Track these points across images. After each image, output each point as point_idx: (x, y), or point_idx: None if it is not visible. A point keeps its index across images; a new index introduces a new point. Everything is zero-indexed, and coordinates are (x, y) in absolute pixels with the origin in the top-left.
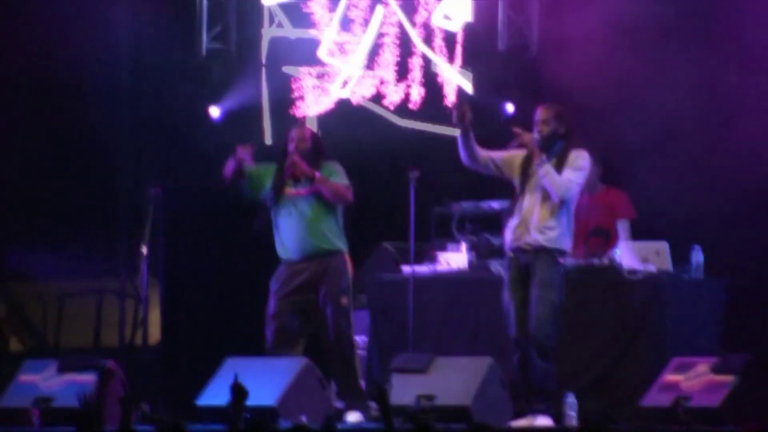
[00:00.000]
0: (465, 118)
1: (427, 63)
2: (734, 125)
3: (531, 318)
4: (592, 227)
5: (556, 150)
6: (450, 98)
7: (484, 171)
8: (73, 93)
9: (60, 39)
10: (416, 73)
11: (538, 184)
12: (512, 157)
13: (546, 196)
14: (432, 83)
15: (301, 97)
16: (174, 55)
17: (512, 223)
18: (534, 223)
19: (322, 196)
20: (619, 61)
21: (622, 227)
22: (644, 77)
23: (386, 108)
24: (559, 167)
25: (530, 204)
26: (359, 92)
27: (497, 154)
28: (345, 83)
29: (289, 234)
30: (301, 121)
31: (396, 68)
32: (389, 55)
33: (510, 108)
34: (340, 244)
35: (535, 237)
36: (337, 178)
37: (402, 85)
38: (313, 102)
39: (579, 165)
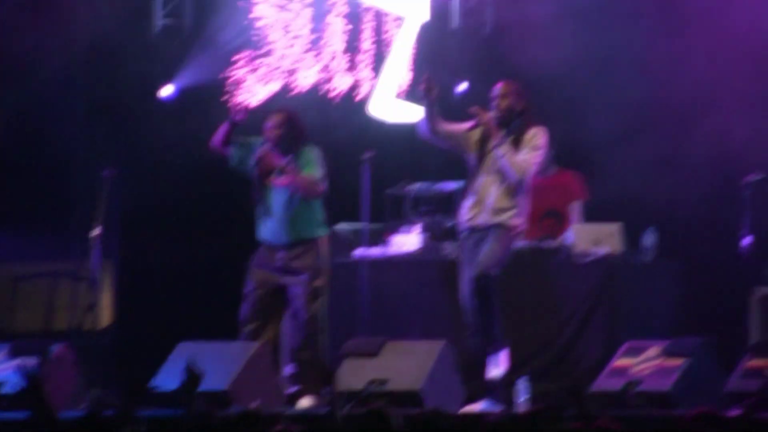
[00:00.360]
0: (431, 90)
1: (378, 52)
2: (692, 105)
3: (474, 270)
4: (545, 209)
5: (513, 127)
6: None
7: (443, 144)
8: (27, 73)
9: (12, 19)
10: (365, 63)
11: (494, 164)
12: (470, 133)
13: (502, 177)
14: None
15: (239, 81)
16: (128, 33)
17: (467, 203)
18: (489, 203)
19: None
20: (580, 40)
21: (575, 209)
22: (604, 59)
23: (331, 98)
24: (517, 145)
25: (486, 183)
26: (304, 79)
27: (456, 128)
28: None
29: (269, 220)
30: (277, 108)
31: (347, 57)
32: (338, 43)
33: (462, 87)
34: (318, 230)
35: (490, 218)
36: (310, 168)
37: (350, 75)
38: (256, 87)
39: (537, 144)
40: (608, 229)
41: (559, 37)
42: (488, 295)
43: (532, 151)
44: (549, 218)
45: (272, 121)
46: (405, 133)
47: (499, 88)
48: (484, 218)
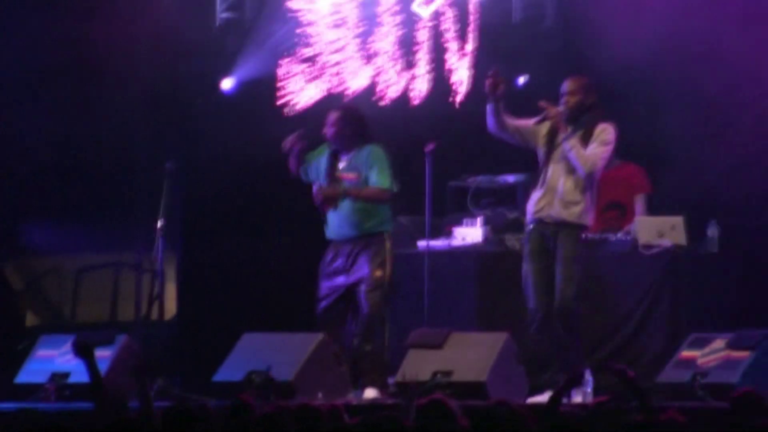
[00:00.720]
0: (497, 87)
1: (435, 53)
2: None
3: (556, 294)
4: (608, 201)
5: (582, 122)
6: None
7: (510, 140)
8: (91, 67)
9: (79, 16)
10: (422, 66)
11: (563, 157)
12: (538, 127)
13: (571, 169)
14: (440, 77)
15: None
16: (190, 27)
17: (536, 195)
18: (559, 196)
19: (361, 183)
20: (641, 32)
21: (639, 202)
22: (676, 50)
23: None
24: (585, 140)
25: (555, 176)
26: (356, 80)
27: (523, 123)
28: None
29: (334, 215)
30: (340, 104)
31: (399, 59)
32: (389, 45)
33: (522, 79)
34: (382, 226)
35: (559, 211)
36: (375, 174)
37: (404, 77)
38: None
39: (605, 139)
40: (671, 221)
41: (622, 29)
42: (571, 326)
43: (601, 145)
44: (612, 210)
45: (329, 120)
46: (468, 125)
47: (567, 84)
48: (553, 211)
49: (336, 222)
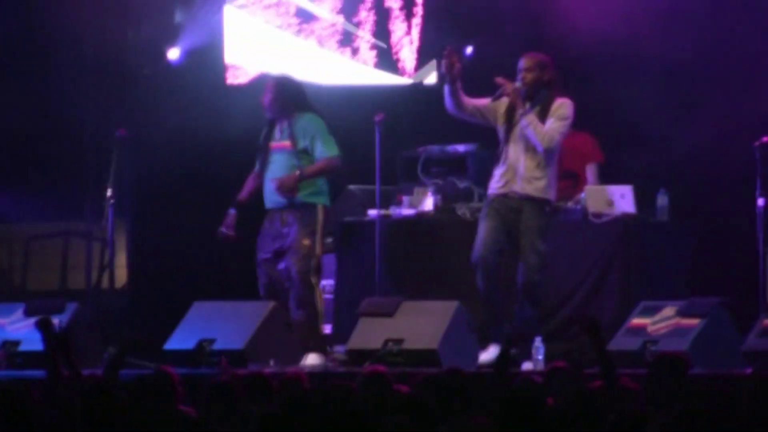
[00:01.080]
0: (453, 67)
1: (379, 18)
2: (720, 73)
3: (519, 266)
4: (561, 170)
5: (539, 99)
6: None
7: (470, 120)
8: (37, 36)
9: None
10: (366, 30)
11: (522, 134)
12: (496, 105)
13: (531, 146)
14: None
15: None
16: None
17: (498, 172)
18: (521, 172)
19: (294, 151)
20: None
21: (590, 170)
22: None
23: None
24: (543, 116)
25: (516, 153)
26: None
27: (482, 102)
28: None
29: (267, 183)
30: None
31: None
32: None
33: (469, 50)
34: (316, 197)
35: (522, 186)
36: (318, 145)
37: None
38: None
39: (563, 114)
40: (621, 190)
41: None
42: (535, 299)
43: (558, 120)
44: (565, 180)
45: (265, 87)
46: (417, 95)
47: (524, 60)
48: (517, 186)
49: (270, 190)
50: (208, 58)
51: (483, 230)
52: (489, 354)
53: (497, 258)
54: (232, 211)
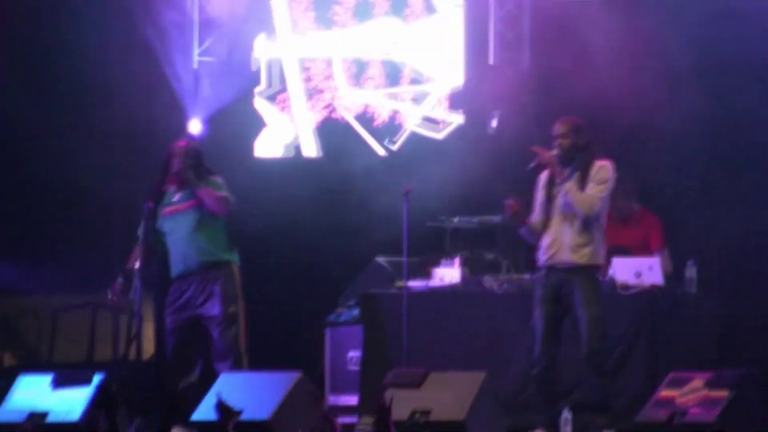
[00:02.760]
0: (517, 215)
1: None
2: (736, 138)
3: (582, 338)
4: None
5: (577, 163)
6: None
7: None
8: (68, 107)
9: (61, 48)
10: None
11: (564, 203)
12: (540, 192)
13: (574, 214)
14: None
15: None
16: (166, 69)
17: (545, 242)
18: (567, 243)
19: (201, 209)
20: (615, 71)
21: (660, 260)
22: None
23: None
24: (583, 180)
25: (559, 222)
26: (345, 109)
27: (539, 202)
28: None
29: (173, 249)
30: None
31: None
32: (377, 73)
33: (494, 123)
34: (225, 255)
35: (569, 256)
36: (221, 190)
37: (391, 104)
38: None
39: (602, 178)
40: (648, 262)
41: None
42: (602, 368)
43: (598, 185)
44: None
45: (176, 150)
46: (443, 165)
47: (558, 126)
48: (564, 257)
49: (179, 252)
50: (234, 134)
51: (541, 324)
52: None
53: (553, 362)
54: (120, 280)
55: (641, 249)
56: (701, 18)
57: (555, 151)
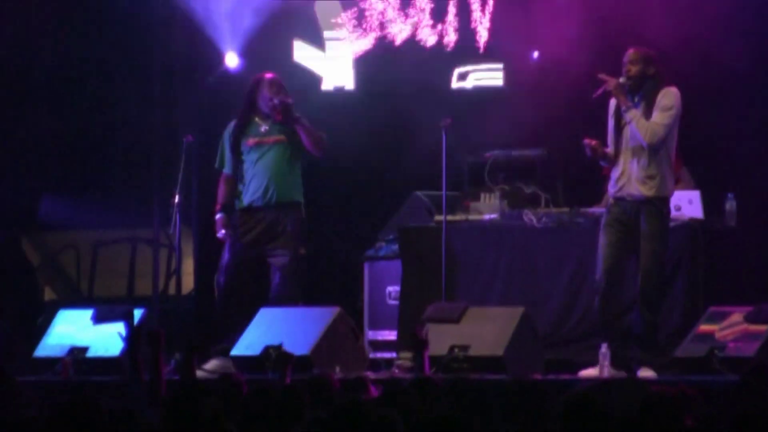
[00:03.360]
0: (596, 152)
1: (461, 6)
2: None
3: (640, 271)
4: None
5: (645, 92)
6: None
7: None
8: (106, 44)
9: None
10: (450, 17)
11: (634, 133)
12: (611, 123)
13: (641, 144)
14: (465, 28)
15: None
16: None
17: (614, 173)
18: (635, 174)
19: (291, 145)
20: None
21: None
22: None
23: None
24: (649, 109)
25: (628, 154)
26: (394, 33)
27: (610, 133)
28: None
29: (253, 181)
30: (269, 73)
31: (431, 11)
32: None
33: (536, 54)
34: (299, 195)
35: (637, 188)
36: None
37: (437, 29)
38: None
39: (666, 104)
40: (688, 195)
41: None
42: (653, 304)
43: (662, 112)
44: None
45: (282, 88)
46: (484, 98)
47: (629, 54)
48: (632, 188)
49: (259, 184)
50: (274, 61)
51: (603, 249)
52: (589, 372)
53: (616, 288)
54: (220, 215)
55: None
56: None
57: (621, 79)
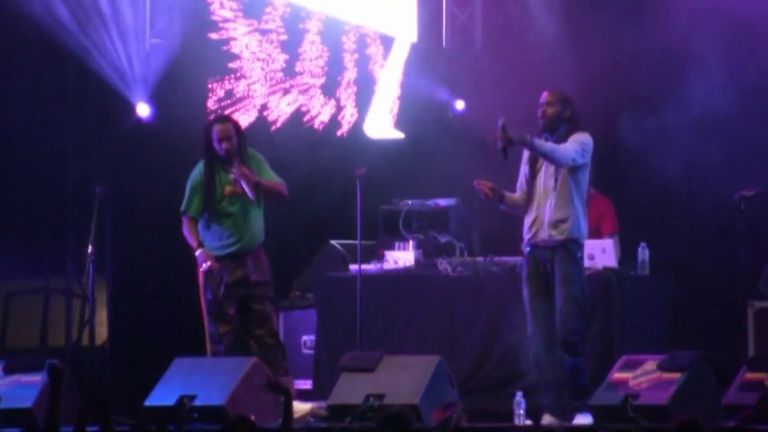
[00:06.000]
0: (494, 192)
1: (360, 78)
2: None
3: (556, 315)
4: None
5: (559, 133)
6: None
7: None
8: (19, 93)
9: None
10: (347, 91)
11: (547, 178)
12: (524, 168)
13: (554, 188)
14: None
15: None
16: (120, 52)
17: (527, 220)
18: (547, 218)
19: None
20: (566, 53)
21: (613, 243)
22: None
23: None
24: None
25: (540, 198)
26: (280, 110)
27: (521, 180)
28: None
29: (230, 229)
30: (221, 116)
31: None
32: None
33: (460, 105)
34: (262, 236)
35: (550, 233)
36: (268, 174)
37: (330, 104)
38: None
39: (580, 139)
40: (601, 244)
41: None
42: (576, 349)
43: (575, 142)
44: None
45: (225, 130)
46: (397, 149)
47: (545, 95)
48: (544, 233)
49: (237, 232)
50: (185, 113)
51: (529, 303)
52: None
53: (551, 339)
54: (201, 250)
55: (593, 234)
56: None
57: (501, 120)
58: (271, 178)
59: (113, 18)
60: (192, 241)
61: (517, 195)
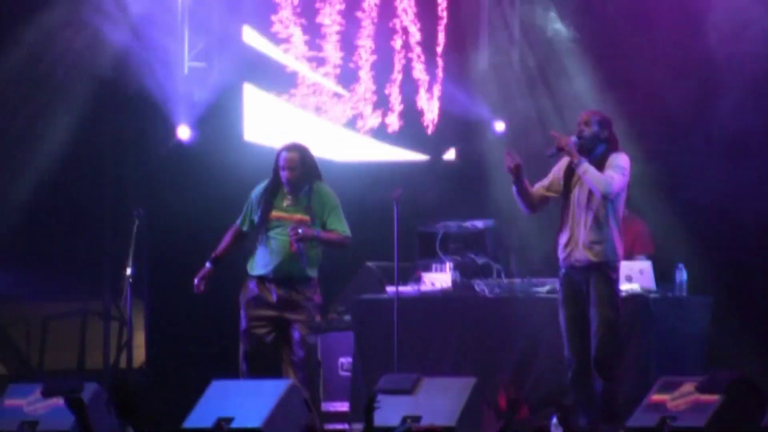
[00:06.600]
0: (515, 167)
1: (405, 89)
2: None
3: (592, 340)
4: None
5: (596, 154)
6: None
7: (545, 206)
8: (58, 117)
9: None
10: (394, 100)
11: (582, 196)
12: (557, 175)
13: (590, 207)
14: (410, 110)
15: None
16: (158, 76)
17: (562, 240)
18: (582, 238)
19: (311, 226)
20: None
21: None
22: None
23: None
24: (599, 170)
25: (576, 217)
26: (334, 117)
27: (545, 182)
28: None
29: (272, 253)
30: (292, 144)
31: (374, 95)
32: (366, 80)
33: (500, 126)
34: (313, 272)
35: (585, 253)
36: (335, 221)
37: (379, 112)
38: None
39: (620, 164)
40: (639, 266)
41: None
42: (611, 374)
43: (616, 168)
44: None
45: (290, 160)
46: (436, 170)
47: (584, 115)
48: (580, 254)
49: (277, 258)
50: (225, 135)
51: (565, 325)
52: None
53: (587, 362)
54: (207, 266)
55: (627, 255)
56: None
57: (573, 138)
58: (336, 224)
59: (152, 40)
60: (217, 249)
61: (534, 189)
